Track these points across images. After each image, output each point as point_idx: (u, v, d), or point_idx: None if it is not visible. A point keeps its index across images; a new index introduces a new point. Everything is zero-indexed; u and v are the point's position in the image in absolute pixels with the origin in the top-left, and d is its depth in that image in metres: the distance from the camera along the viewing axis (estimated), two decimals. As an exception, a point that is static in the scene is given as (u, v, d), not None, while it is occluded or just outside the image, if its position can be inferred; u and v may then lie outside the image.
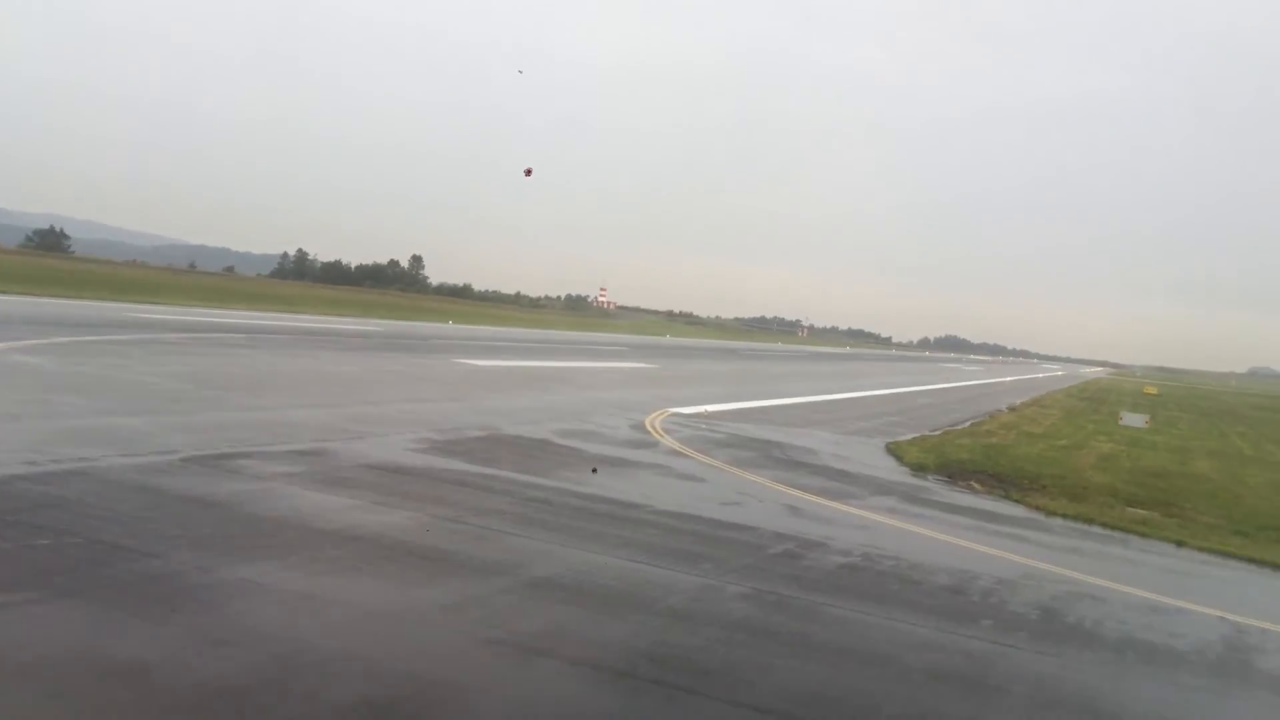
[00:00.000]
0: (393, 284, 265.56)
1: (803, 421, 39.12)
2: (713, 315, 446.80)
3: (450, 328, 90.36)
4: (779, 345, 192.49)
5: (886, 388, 74.84)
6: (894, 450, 32.63)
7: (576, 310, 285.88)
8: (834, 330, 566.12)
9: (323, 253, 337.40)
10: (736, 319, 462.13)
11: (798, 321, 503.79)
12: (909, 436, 37.97)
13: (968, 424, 48.87)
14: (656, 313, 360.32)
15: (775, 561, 15.34)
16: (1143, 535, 23.39)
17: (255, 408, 24.05)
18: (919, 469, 29.63)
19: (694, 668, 9.98)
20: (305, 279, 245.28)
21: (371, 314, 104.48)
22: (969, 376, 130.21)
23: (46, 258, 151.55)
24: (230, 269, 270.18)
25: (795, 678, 10.17)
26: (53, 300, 63.47)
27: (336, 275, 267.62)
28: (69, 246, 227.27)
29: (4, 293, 65.35)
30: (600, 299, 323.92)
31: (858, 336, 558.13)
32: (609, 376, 51.28)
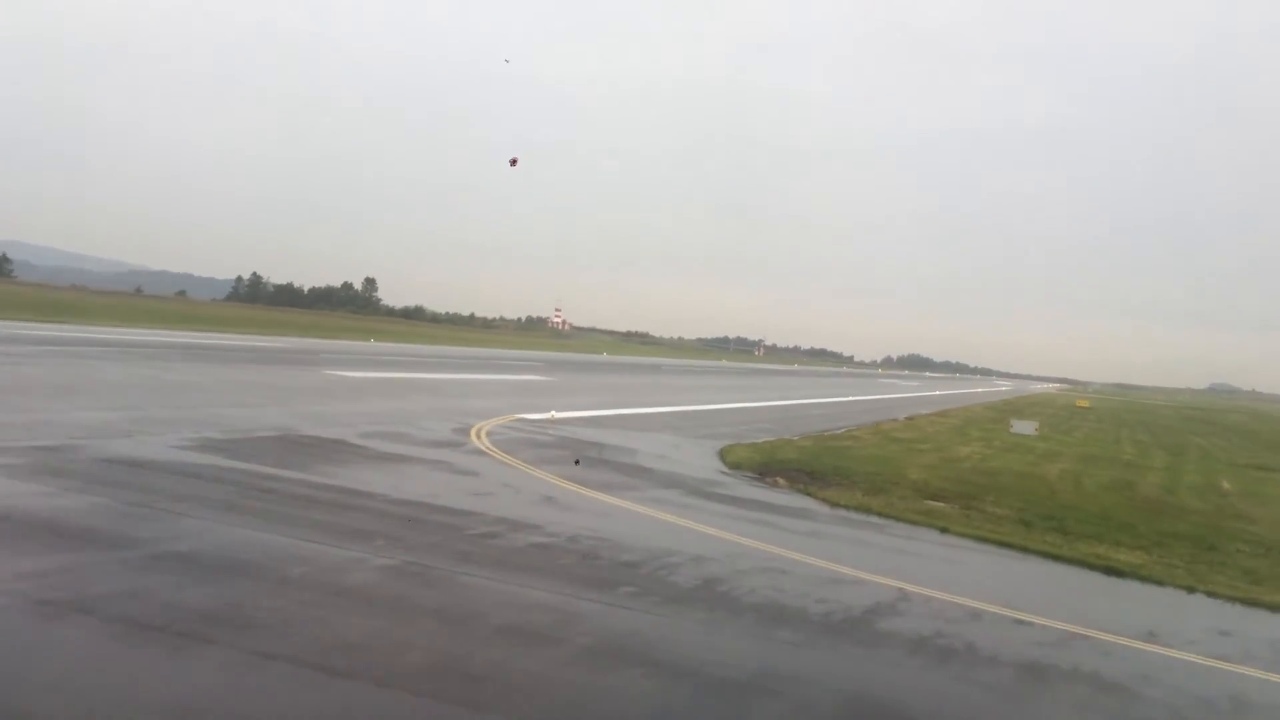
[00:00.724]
0: (345, 306, 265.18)
1: (659, 427, 39.88)
2: (675, 336, 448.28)
3: (369, 345, 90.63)
4: (723, 363, 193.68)
5: (791, 399, 75.90)
6: (725, 452, 33.39)
7: (529, 330, 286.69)
8: (794, 350, 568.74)
9: (278, 276, 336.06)
10: (699, 339, 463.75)
11: (759, 341, 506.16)
12: (759, 440, 38.76)
13: (842, 430, 49.82)
14: (614, 333, 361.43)
15: (463, 540, 16.00)
16: (912, 524, 24.25)
17: (41, 410, 24.43)
18: (735, 467, 30.46)
19: (242, 623, 10.60)
20: (258, 302, 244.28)
21: (307, 334, 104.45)
22: (900, 391, 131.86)
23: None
24: (182, 293, 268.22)
25: (344, 630, 10.81)
26: None
27: (289, 298, 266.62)
28: (11, 271, 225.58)
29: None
30: (555, 320, 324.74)
31: (819, 356, 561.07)
32: (488, 387, 51.85)
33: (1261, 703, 12.78)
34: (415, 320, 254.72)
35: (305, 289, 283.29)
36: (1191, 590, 20.43)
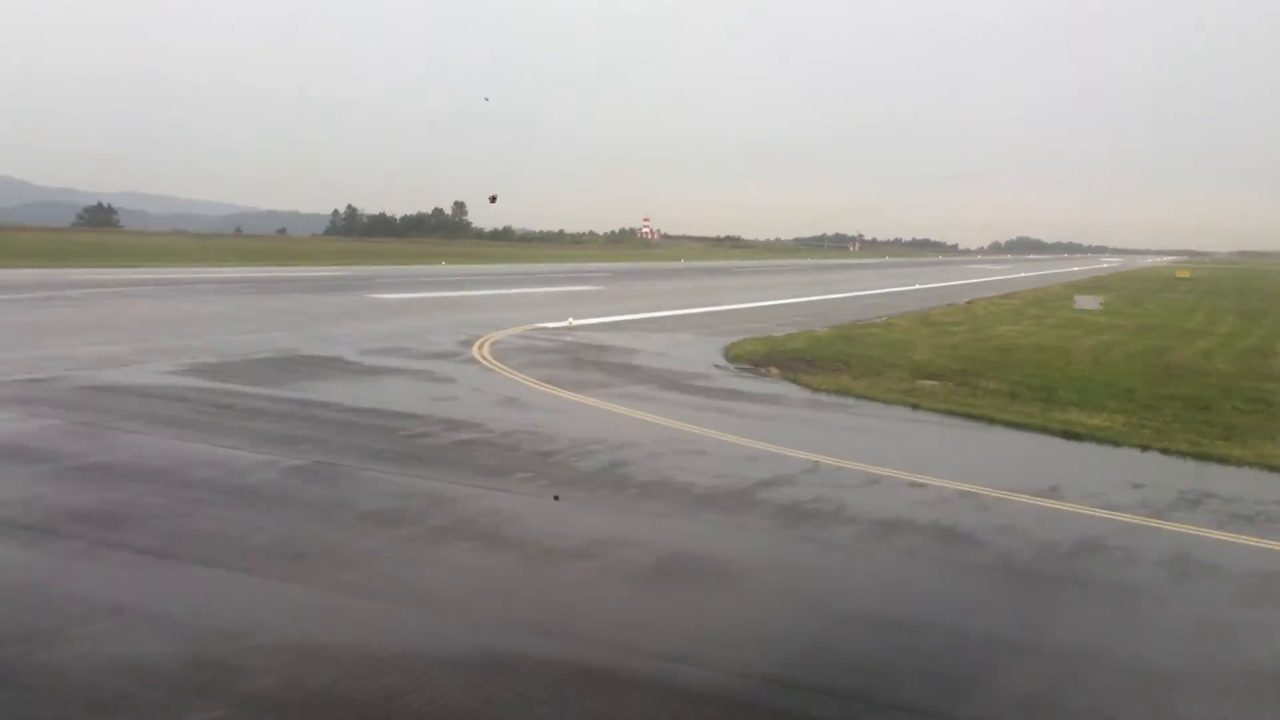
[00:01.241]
0: (436, 232, 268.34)
1: (682, 327, 40.46)
2: (772, 237, 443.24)
3: (438, 268, 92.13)
4: (807, 261, 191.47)
5: (850, 291, 75.51)
6: (733, 347, 33.86)
7: (617, 243, 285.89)
8: (895, 243, 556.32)
9: (373, 208, 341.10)
10: (797, 239, 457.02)
11: (855, 236, 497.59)
12: (779, 333, 39.04)
13: (881, 319, 49.70)
14: (705, 239, 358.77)
15: (388, 440, 17.07)
16: (886, 403, 24.62)
17: (52, 346, 26.17)
18: (735, 360, 30.99)
19: (108, 520, 11.80)
20: (354, 234, 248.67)
21: (382, 261, 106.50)
22: (985, 275, 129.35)
23: (83, 233, 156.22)
24: (283, 230, 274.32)
25: (202, 522, 11.94)
26: (27, 270, 65.76)
27: (382, 228, 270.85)
28: (117, 221, 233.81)
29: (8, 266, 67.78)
30: (644, 230, 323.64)
31: (921, 247, 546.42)
32: (528, 300, 52.73)
33: (1112, 544, 13.10)
34: (503, 241, 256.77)
35: (398, 217, 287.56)
36: (1145, 449, 20.54)
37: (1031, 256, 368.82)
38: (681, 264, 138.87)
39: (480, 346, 30.78)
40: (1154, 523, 14.35)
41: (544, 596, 10.15)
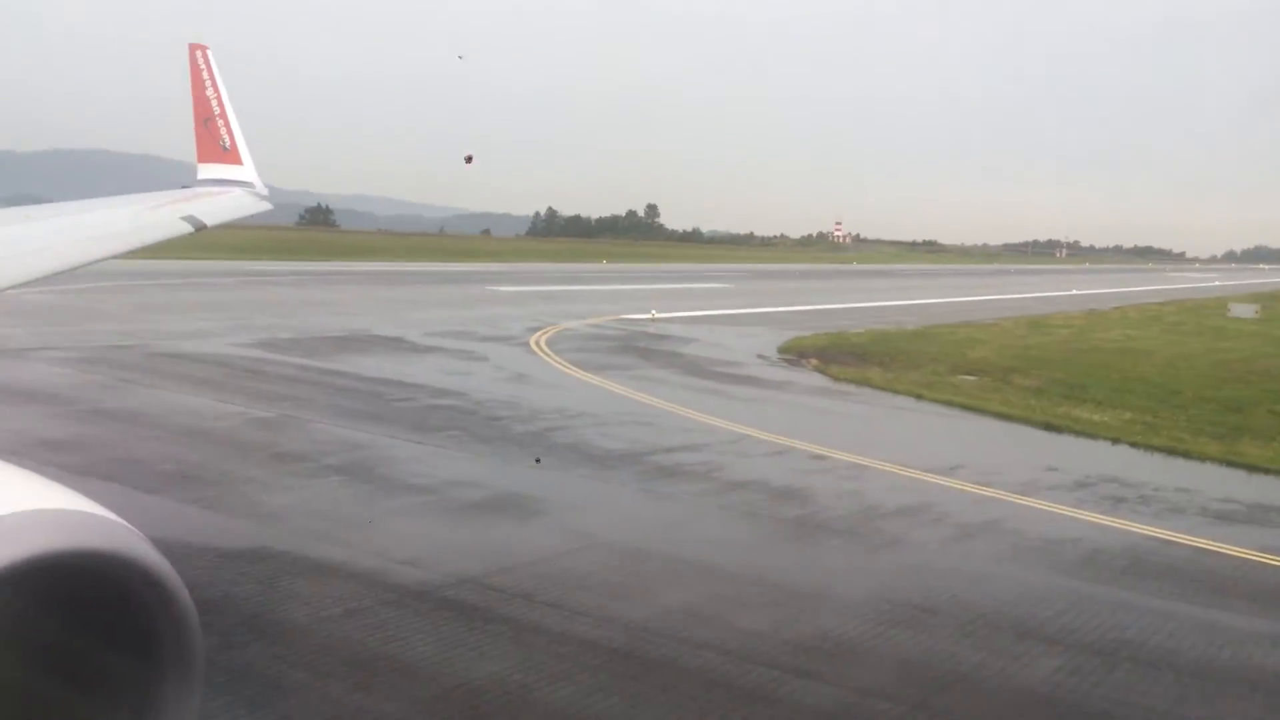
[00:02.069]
0: (628, 233, 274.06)
1: (760, 323, 41.69)
2: (976, 243, 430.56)
3: (595, 266, 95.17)
4: (993, 266, 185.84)
5: (994, 295, 74.30)
6: (793, 341, 34.88)
7: (807, 246, 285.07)
8: (1114, 250, 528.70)
9: (570, 209, 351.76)
10: (1004, 245, 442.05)
11: (1061, 244, 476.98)
12: (858, 330, 39.73)
13: (990, 320, 49.30)
14: (899, 243, 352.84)
15: (366, 402, 19.47)
16: (895, 393, 25.51)
17: (161, 321, 29.95)
18: (784, 352, 32.18)
19: (62, 446, 14.51)
20: (552, 235, 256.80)
21: (551, 259, 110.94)
22: (1180, 283, 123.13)
23: (298, 231, 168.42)
24: (486, 231, 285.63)
25: (136, 450, 14.52)
26: (214, 261, 71.95)
27: (577, 229, 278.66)
28: (334, 221, 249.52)
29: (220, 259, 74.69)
30: (836, 233, 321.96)
31: (1142, 254, 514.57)
32: (638, 295, 53.96)
33: (936, 511, 14.03)
34: (690, 242, 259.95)
35: (593, 219, 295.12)
36: (1116, 441, 20.80)
37: (1262, 266, 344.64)
38: (854, 266, 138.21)
39: (544, 333, 32.99)
40: (1011, 498, 15.09)
41: (357, 517, 12.13)
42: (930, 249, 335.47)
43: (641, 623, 9.28)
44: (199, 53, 14.04)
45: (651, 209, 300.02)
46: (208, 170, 13.79)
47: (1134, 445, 20.57)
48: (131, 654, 2.51)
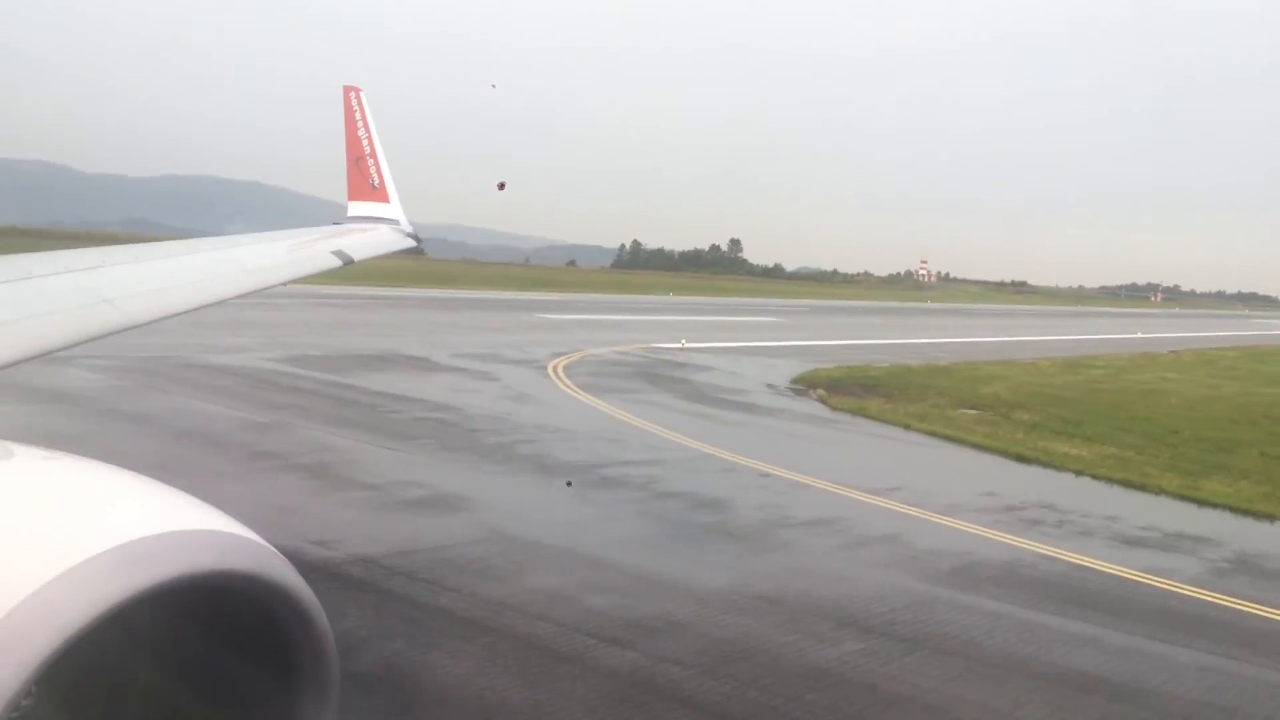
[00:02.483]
0: (711, 266, 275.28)
1: (786, 354, 42.60)
2: (1071, 284, 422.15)
3: (660, 298, 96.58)
4: (1073, 309, 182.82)
5: (1051, 336, 73.96)
6: (809, 373, 35.79)
7: (890, 285, 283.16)
8: (1216, 295, 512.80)
9: (655, 242, 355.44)
10: (1101, 287, 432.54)
11: (1173, 286, 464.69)
12: (881, 364, 40.42)
13: (1027, 360, 49.41)
14: (986, 283, 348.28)
15: (360, 413, 21.13)
16: (886, 423, 26.43)
17: (207, 336, 31.85)
18: (796, 382, 33.21)
19: (60, 436, 16.31)
20: (635, 267, 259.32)
21: (617, 290, 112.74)
22: (1250, 329, 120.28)
23: (383, 260, 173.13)
24: (572, 262, 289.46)
25: (119, 443, 16.28)
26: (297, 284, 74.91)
27: (660, 262, 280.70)
28: (422, 250, 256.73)
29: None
30: (921, 272, 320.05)
31: (1246, 301, 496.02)
32: (676, 325, 55.40)
33: (844, 523, 15.06)
34: (772, 278, 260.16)
35: (676, 252, 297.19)
36: (1079, 474, 21.52)
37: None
38: (927, 305, 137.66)
39: (567, 358, 34.48)
40: (931, 516, 15.99)
41: (294, 505, 13.64)
42: (1018, 290, 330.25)
43: (499, 598, 10.57)
44: (353, 95, 14.45)
45: (735, 244, 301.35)
46: (357, 208, 14.15)
47: (1095, 478, 21.20)
48: (272, 675, 2.62)
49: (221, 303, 7.83)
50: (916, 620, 10.96)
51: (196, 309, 7.14)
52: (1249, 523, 18.22)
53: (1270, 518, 18.59)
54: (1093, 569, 13.79)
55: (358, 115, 14.44)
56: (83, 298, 5.93)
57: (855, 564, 13.21)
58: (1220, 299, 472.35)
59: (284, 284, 9.36)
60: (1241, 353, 68.08)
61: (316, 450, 17.07)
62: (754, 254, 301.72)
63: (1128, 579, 13.45)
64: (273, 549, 2.58)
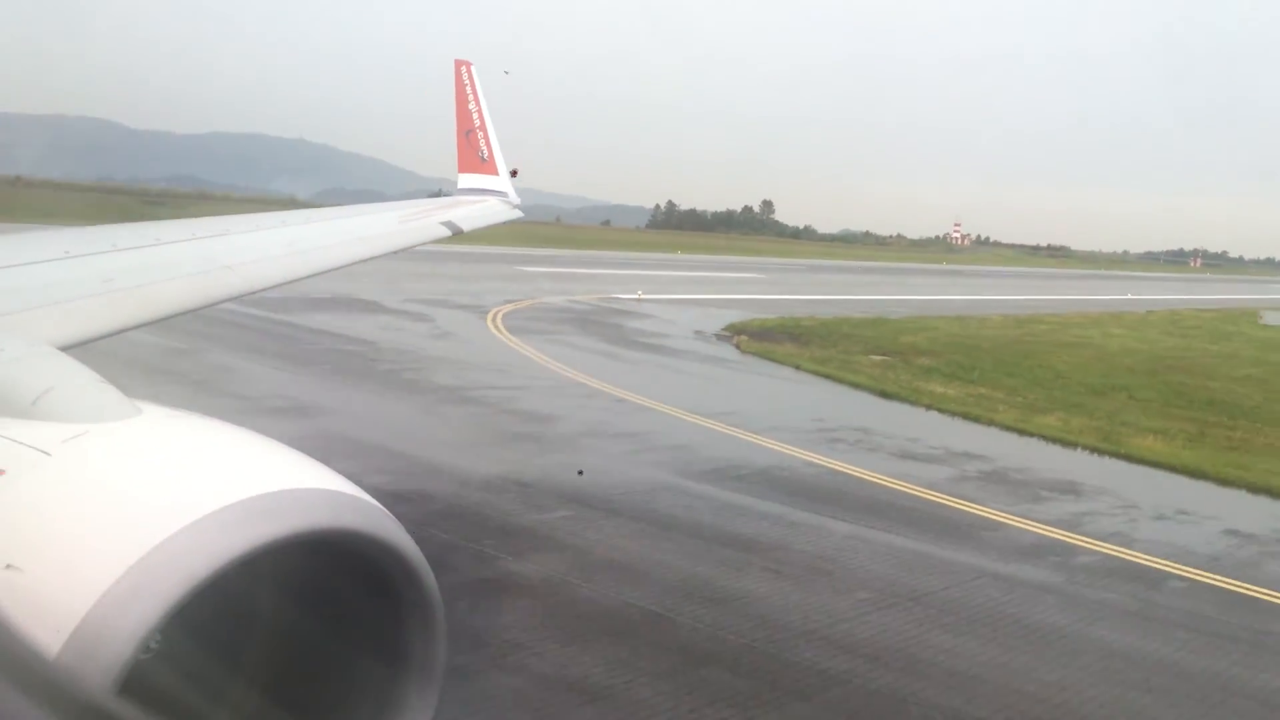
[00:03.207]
0: (742, 227, 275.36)
1: (737, 306, 44.59)
2: (1118, 250, 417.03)
3: (668, 255, 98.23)
4: (1100, 272, 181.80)
5: (1040, 295, 75.18)
6: (744, 322, 37.72)
7: (920, 247, 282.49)
8: (1267, 262, 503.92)
9: (694, 203, 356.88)
10: (1147, 253, 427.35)
11: (1222, 252, 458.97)
12: (824, 315, 42.22)
13: (978, 316, 51.01)
14: (1021, 247, 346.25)
15: (277, 341, 23.63)
16: (780, 363, 28.49)
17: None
18: (726, 328, 35.30)
19: None
20: (669, 227, 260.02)
21: (634, 248, 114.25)
22: (1261, 293, 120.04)
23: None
24: (606, 222, 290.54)
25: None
26: None
27: (692, 222, 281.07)
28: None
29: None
30: (954, 235, 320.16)
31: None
32: (651, 279, 57.00)
33: (659, 436, 17.34)
34: (802, 239, 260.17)
35: (709, 213, 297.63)
36: (929, 409, 23.52)
37: None
38: (942, 266, 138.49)
39: (515, 305, 36.90)
40: (739, 433, 18.12)
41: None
42: (1053, 254, 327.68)
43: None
44: (464, 69, 14.61)
45: (767, 205, 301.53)
46: (467, 180, 14.30)
47: (942, 411, 23.24)
48: (381, 633, 2.66)
49: (334, 270, 8.09)
50: (632, 500, 13.28)
51: (311, 276, 7.49)
52: (1046, 448, 20.25)
53: (1074, 445, 20.58)
54: (844, 473, 15.98)
55: (468, 89, 14.56)
56: (205, 264, 6.21)
57: (628, 464, 15.49)
58: (1270, 265, 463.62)
59: (394, 252, 9.61)
60: (1222, 314, 69.01)
61: (212, 371, 19.59)
62: (786, 216, 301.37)
63: (867, 480, 15.62)
64: (384, 509, 2.63)
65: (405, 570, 2.57)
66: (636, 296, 44.10)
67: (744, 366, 27.69)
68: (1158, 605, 11.19)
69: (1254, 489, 17.92)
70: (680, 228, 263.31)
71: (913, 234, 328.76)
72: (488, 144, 14.43)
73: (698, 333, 34.05)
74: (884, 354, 32.09)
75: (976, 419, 22.50)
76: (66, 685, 1.77)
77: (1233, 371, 34.72)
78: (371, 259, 8.72)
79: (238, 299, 6.35)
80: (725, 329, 35.39)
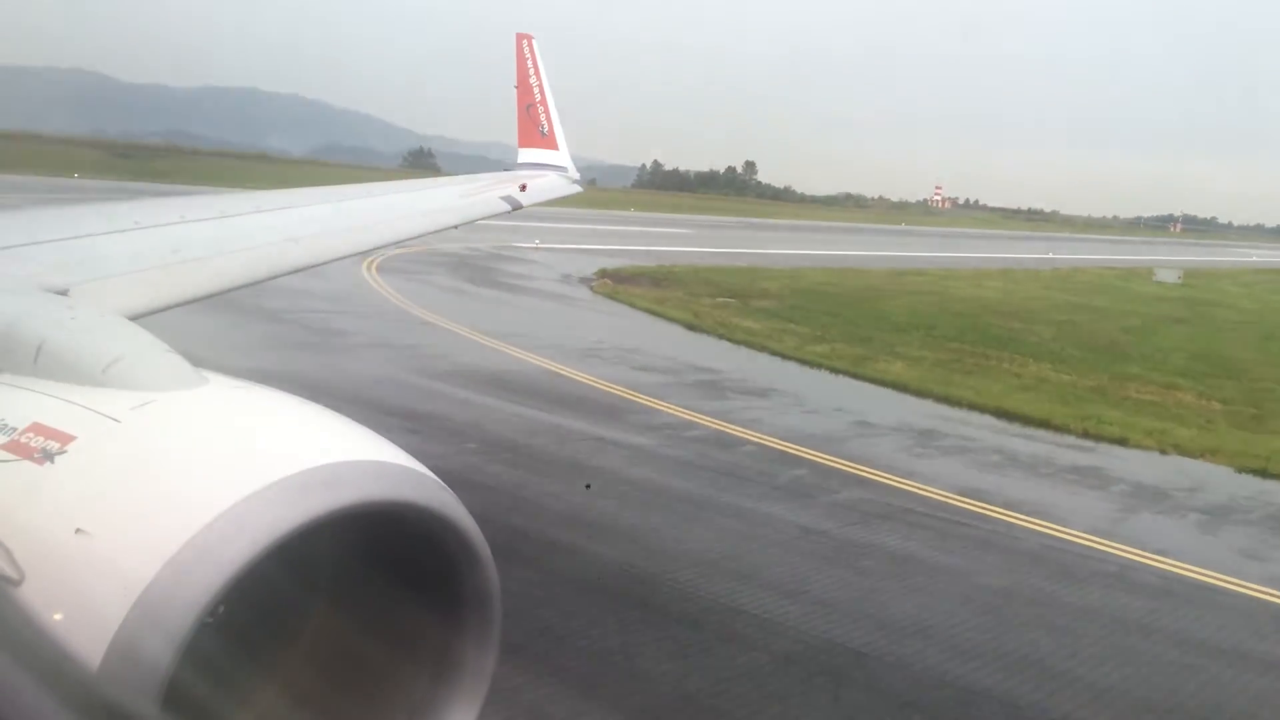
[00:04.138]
0: (725, 188, 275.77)
1: (630, 255, 47.55)
2: (1109, 215, 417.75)
3: (623, 212, 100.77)
4: (1064, 235, 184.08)
5: (957, 253, 78.01)
6: (618, 268, 40.79)
7: (898, 210, 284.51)
8: (1256, 229, 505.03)
9: (675, 163, 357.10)
10: (1137, 219, 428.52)
11: (1211, 218, 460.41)
12: (701, 265, 45.29)
13: (858, 268, 53.97)
14: (1002, 210, 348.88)
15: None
16: (616, 302, 31.61)
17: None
18: (593, 274, 38.22)
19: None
20: (654, 187, 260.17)
21: (606, 207, 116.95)
22: (1228, 257, 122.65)
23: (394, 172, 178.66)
24: (592, 181, 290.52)
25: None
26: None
27: (675, 183, 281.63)
28: (435, 163, 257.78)
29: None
30: (935, 198, 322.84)
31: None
32: (570, 232, 59.76)
33: (434, 349, 20.50)
34: (781, 200, 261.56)
35: (692, 174, 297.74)
36: (720, 339, 26.55)
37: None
38: (901, 227, 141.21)
39: (404, 250, 39.76)
40: (514, 351, 21.10)
41: None
42: (1031, 218, 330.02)
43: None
44: (525, 42, 14.51)
45: (749, 166, 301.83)
46: (527, 154, 14.24)
47: (732, 341, 26.20)
48: (437, 607, 2.69)
49: (396, 243, 8.20)
50: (355, 387, 16.49)
51: (373, 249, 8.53)
52: (787, 367, 23.37)
53: (819, 366, 23.59)
54: (568, 378, 19.07)
55: (529, 62, 14.52)
56: (271, 236, 6.24)
57: (378, 365, 18.69)
58: (1260, 232, 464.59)
59: (455, 227, 9.66)
60: (1125, 273, 70.43)
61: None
62: (770, 177, 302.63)
63: (581, 382, 18.79)
64: (441, 483, 2.63)
65: (464, 546, 2.60)
66: (534, 245, 47.05)
67: (582, 304, 30.79)
68: (708, 458, 14.43)
69: (938, 399, 20.89)
70: (664, 188, 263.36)
71: (900, 197, 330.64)
72: (548, 118, 14.35)
73: (565, 276, 37.11)
74: (731, 297, 35.11)
75: (756, 347, 25.42)
76: (109, 697, 1.75)
77: (1053, 316, 37.84)
78: (433, 232, 8.94)
79: (301, 271, 6.49)
80: (597, 274, 38.37)
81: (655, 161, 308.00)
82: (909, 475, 14.40)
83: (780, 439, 15.86)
